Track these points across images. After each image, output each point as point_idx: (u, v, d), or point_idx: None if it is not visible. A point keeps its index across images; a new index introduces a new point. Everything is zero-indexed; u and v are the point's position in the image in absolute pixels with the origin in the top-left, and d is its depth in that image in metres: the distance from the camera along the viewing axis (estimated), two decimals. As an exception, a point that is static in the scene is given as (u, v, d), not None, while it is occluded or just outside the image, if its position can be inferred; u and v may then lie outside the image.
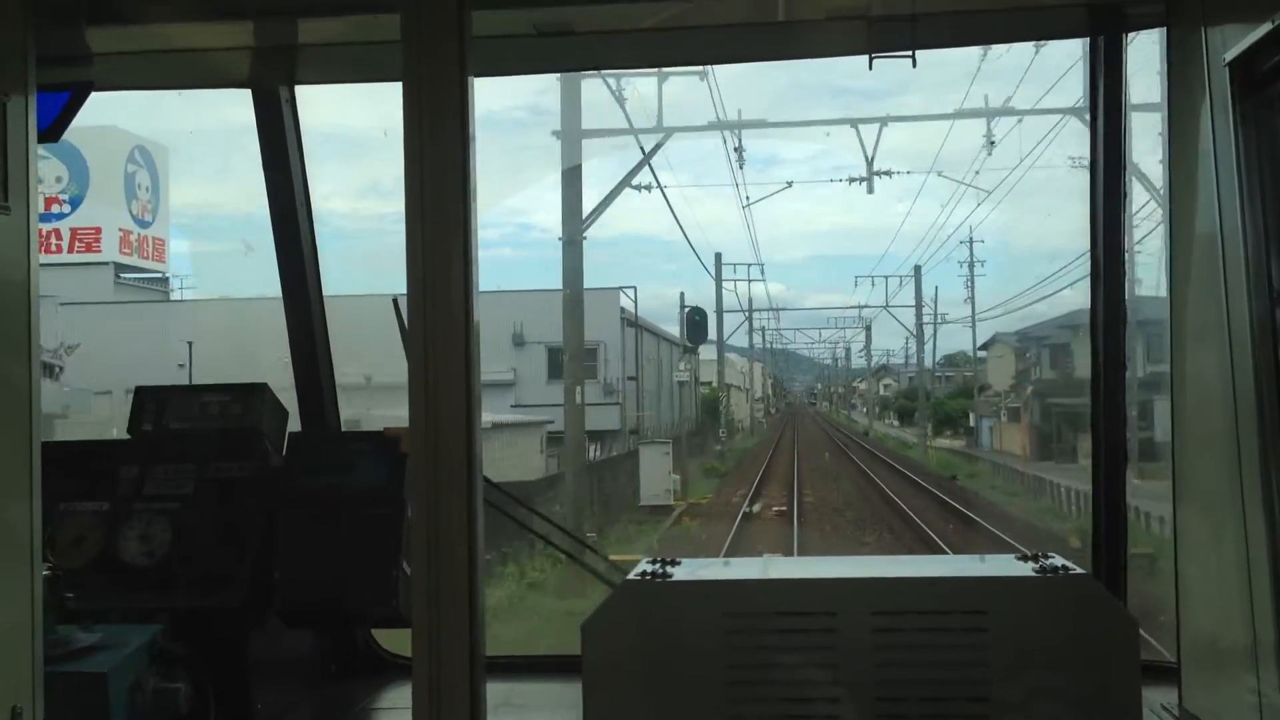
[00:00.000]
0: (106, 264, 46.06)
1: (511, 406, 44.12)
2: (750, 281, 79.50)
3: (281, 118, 5.11)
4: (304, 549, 4.67)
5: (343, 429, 5.61)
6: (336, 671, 5.17)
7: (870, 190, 33.24)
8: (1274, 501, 3.56)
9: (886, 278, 75.13)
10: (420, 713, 3.13)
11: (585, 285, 29.00)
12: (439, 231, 2.98)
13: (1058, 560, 3.83)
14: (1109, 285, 4.66)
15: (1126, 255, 4.69)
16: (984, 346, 76.74)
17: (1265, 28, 3.41)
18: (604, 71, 23.96)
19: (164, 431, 4.94)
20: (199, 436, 4.88)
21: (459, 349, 2.96)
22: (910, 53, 4.36)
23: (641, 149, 32.43)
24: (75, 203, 44.93)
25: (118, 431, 5.20)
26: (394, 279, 3.12)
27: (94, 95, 4.08)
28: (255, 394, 4.97)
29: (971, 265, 65.43)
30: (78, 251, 44.92)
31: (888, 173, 33.98)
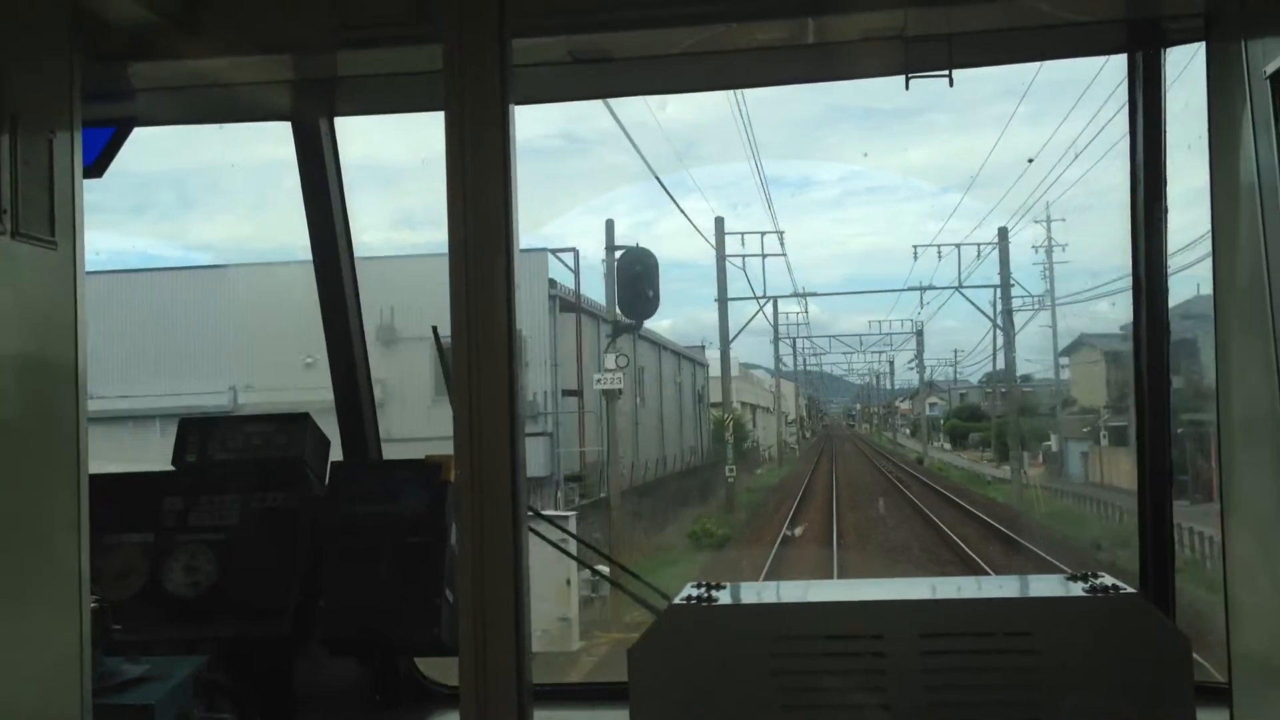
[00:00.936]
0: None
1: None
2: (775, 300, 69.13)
3: (321, 150, 5.15)
4: (347, 578, 4.69)
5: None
6: (380, 700, 5.17)
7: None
8: None
9: (959, 245, 54.87)
10: None
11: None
12: (482, 260, 2.98)
13: (1107, 580, 3.79)
14: (1151, 302, 4.62)
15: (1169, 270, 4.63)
16: (1066, 352, 62.26)
17: None
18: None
19: (208, 462, 4.98)
20: (243, 467, 4.91)
21: (503, 377, 2.97)
22: (947, 72, 4.36)
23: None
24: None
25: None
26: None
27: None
28: (298, 424, 5.01)
29: (1050, 250, 53.69)
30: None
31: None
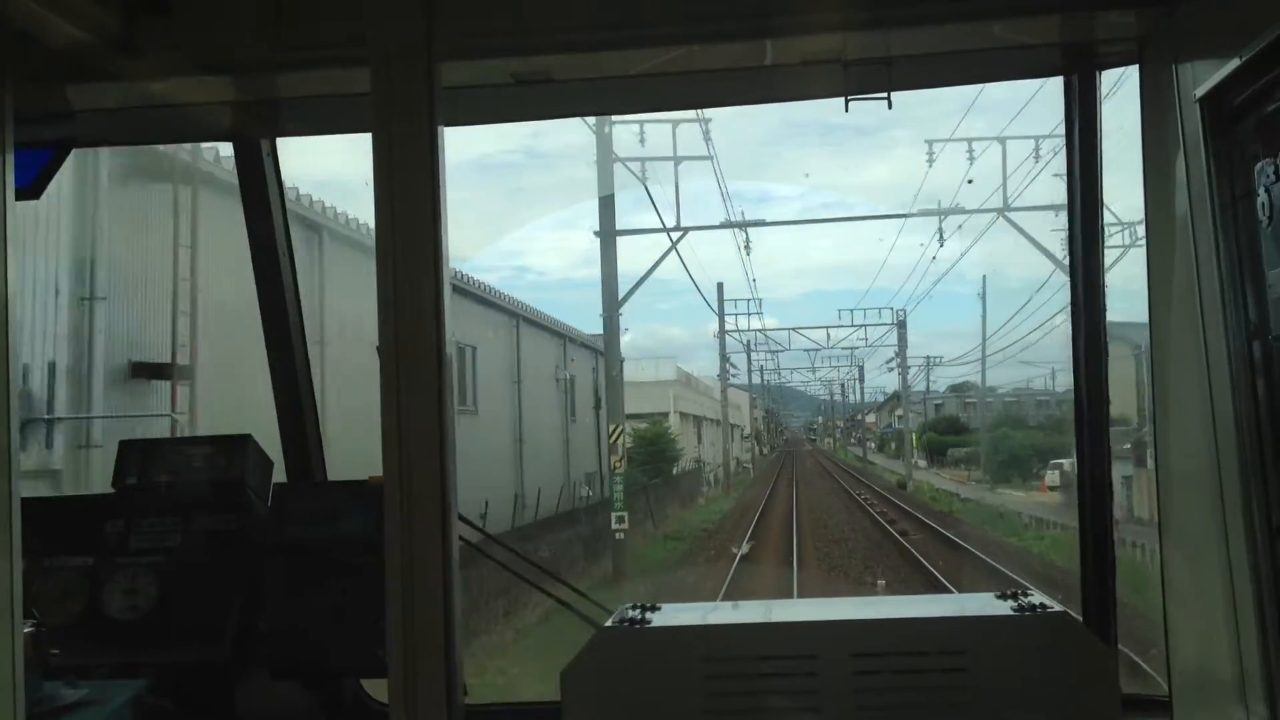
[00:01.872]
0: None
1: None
2: (749, 315, 70.38)
3: (263, 170, 5.15)
4: (290, 600, 4.67)
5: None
6: None
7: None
8: (1257, 535, 3.56)
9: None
10: None
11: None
12: (410, 282, 2.99)
13: (1036, 598, 3.82)
14: (1089, 320, 4.67)
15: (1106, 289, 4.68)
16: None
17: (1234, 63, 3.43)
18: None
19: (148, 484, 4.95)
20: (183, 489, 4.88)
21: (432, 395, 2.97)
22: (886, 94, 4.40)
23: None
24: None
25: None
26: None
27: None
28: (239, 445, 4.99)
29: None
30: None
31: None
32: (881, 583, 28.69)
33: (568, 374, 45.24)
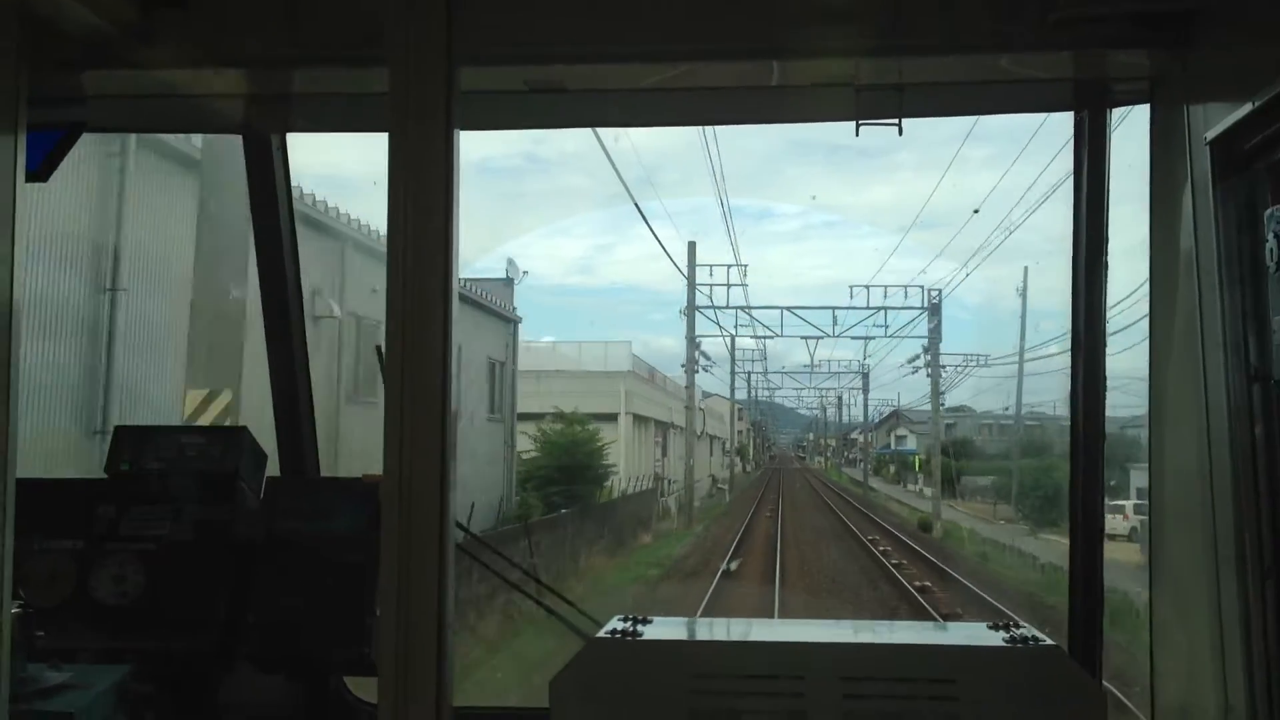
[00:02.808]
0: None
1: None
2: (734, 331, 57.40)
3: (272, 164, 5.15)
4: (278, 594, 4.67)
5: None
6: (308, 718, 5.13)
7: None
8: (1249, 578, 3.58)
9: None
10: None
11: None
12: (419, 284, 2.99)
13: (1028, 630, 3.82)
14: (1089, 358, 4.68)
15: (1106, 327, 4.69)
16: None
17: (1246, 108, 3.45)
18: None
19: (141, 472, 4.94)
20: (176, 478, 4.88)
21: (435, 398, 2.97)
22: (896, 120, 4.42)
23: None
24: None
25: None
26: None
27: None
28: (234, 437, 4.98)
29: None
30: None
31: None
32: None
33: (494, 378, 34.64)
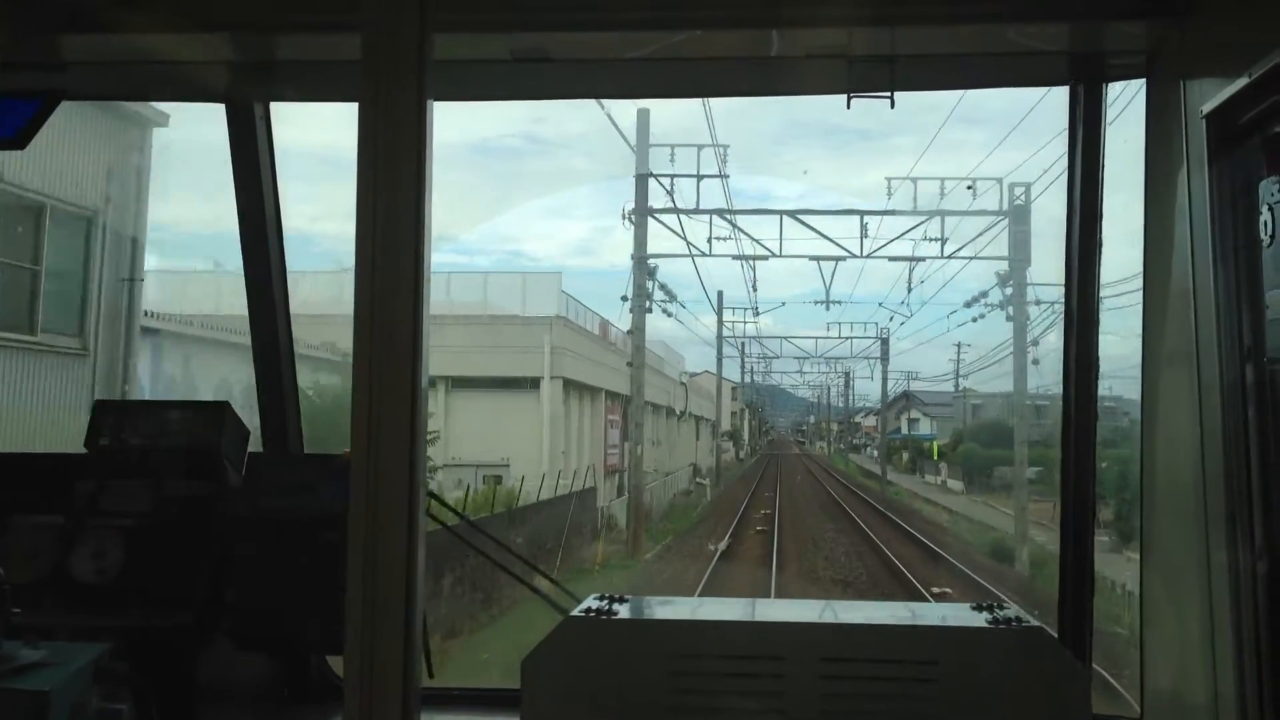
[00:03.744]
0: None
1: None
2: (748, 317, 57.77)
3: (255, 134, 5.08)
4: (257, 571, 4.61)
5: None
6: (288, 696, 5.09)
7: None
8: (1239, 561, 3.53)
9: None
10: None
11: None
12: (389, 258, 2.93)
13: (1011, 611, 3.77)
14: (1081, 337, 4.62)
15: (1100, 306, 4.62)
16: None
17: (1242, 81, 3.40)
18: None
19: (122, 447, 4.88)
20: (157, 454, 4.81)
21: (405, 373, 2.92)
22: (889, 93, 4.36)
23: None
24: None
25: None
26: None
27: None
28: (216, 412, 4.91)
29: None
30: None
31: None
32: None
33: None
